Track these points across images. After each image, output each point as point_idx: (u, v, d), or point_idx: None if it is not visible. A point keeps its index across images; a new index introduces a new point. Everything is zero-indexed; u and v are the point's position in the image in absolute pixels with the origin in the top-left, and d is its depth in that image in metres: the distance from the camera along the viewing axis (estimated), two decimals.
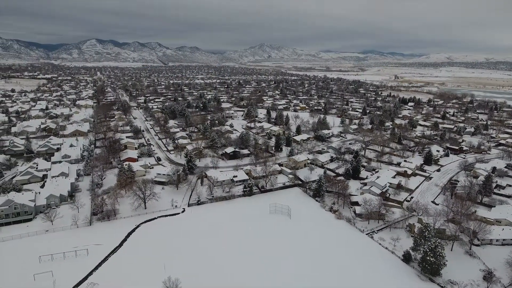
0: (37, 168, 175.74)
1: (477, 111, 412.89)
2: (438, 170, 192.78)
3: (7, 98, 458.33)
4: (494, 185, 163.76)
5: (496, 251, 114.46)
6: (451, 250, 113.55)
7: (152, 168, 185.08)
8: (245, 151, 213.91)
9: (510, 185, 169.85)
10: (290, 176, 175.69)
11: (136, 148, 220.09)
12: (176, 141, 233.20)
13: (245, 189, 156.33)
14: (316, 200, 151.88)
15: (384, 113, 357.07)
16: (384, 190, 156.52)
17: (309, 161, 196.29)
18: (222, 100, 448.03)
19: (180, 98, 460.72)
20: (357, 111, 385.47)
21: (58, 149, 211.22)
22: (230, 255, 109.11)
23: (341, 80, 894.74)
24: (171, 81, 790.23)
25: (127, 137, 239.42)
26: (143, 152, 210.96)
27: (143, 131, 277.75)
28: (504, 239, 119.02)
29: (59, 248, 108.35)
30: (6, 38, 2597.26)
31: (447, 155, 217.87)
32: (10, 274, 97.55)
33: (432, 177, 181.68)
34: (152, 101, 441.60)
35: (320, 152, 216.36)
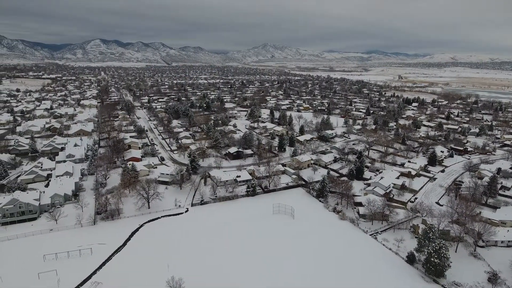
0: (41, 167, 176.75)
1: (482, 111, 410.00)
2: (443, 171, 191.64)
3: (12, 98, 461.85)
4: (499, 186, 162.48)
5: (501, 253, 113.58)
6: (456, 251, 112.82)
7: (156, 167, 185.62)
8: (249, 151, 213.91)
9: None
10: (294, 176, 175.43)
11: (139, 148, 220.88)
12: (179, 141, 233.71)
13: (248, 189, 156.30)
14: (320, 201, 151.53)
15: (388, 113, 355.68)
16: (388, 191, 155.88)
17: (312, 162, 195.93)
18: (225, 100, 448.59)
19: (183, 98, 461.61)
20: (360, 112, 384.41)
21: (62, 149, 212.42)
22: (233, 255, 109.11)
23: (345, 80, 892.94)
24: (175, 81, 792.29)
25: (131, 136, 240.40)
26: (146, 152, 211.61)
27: (147, 131, 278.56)
28: (509, 241, 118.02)
29: (63, 247, 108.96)
30: (12, 38, 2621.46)
31: (451, 156, 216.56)
32: (15, 273, 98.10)
33: (436, 178, 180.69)
34: (155, 101, 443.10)
35: (323, 153, 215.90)
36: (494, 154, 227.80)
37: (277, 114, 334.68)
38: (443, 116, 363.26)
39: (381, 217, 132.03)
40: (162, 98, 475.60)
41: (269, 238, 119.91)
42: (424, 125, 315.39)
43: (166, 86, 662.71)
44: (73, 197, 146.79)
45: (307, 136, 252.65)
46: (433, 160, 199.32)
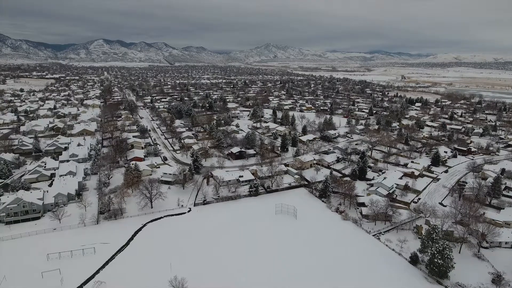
0: (45, 167, 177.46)
1: (486, 111, 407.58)
2: (446, 171, 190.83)
3: (16, 98, 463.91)
4: (503, 187, 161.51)
5: (505, 254, 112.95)
6: (459, 252, 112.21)
7: (159, 167, 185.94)
8: (251, 151, 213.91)
9: None
10: (296, 176, 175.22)
11: (142, 148, 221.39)
12: (182, 141, 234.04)
13: (251, 189, 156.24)
14: (322, 201, 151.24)
15: (391, 113, 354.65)
16: (391, 191, 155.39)
17: (315, 162, 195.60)
18: (228, 100, 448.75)
19: (186, 98, 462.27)
20: (363, 112, 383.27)
21: (65, 148, 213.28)
22: (235, 255, 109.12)
23: (347, 80, 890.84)
24: (178, 81, 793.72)
25: (133, 136, 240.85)
26: (149, 152, 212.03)
27: (150, 130, 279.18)
28: None
29: (67, 246, 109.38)
30: (16, 39, 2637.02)
31: (455, 156, 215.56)
32: (18, 272, 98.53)
33: (439, 179, 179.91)
34: (158, 101, 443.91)
35: (326, 153, 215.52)
36: (498, 155, 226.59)
37: (279, 114, 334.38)
38: (446, 116, 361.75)
39: (384, 217, 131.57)
40: (165, 98, 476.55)
41: (271, 238, 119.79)
42: (427, 125, 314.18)
43: (169, 86, 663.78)
44: (76, 197, 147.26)
45: (310, 136, 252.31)
46: (436, 161, 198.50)
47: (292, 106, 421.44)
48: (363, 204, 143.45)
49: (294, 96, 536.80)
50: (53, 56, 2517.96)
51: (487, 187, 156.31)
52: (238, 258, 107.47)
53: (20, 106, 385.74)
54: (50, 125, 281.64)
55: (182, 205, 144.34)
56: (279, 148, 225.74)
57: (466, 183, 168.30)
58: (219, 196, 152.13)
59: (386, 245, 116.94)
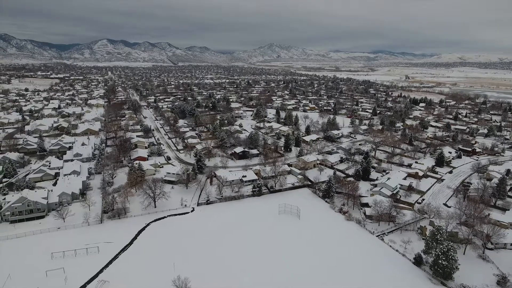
0: (49, 166, 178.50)
1: (491, 112, 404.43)
2: (450, 172, 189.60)
3: (21, 97, 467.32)
4: (508, 188, 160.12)
5: (510, 256, 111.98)
6: (464, 253, 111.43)
7: (162, 167, 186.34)
8: (254, 151, 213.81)
9: None
10: (300, 176, 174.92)
11: (146, 147, 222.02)
12: (185, 141, 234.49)
13: (254, 189, 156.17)
14: (326, 201, 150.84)
15: (394, 113, 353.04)
16: (394, 192, 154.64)
17: (318, 162, 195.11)
18: (231, 100, 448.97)
19: (189, 98, 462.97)
20: (367, 112, 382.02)
21: (70, 148, 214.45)
22: (239, 255, 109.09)
23: (351, 80, 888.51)
24: (181, 81, 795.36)
25: (137, 136, 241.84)
26: (153, 151, 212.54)
27: (153, 130, 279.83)
28: None
29: (71, 245, 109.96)
30: (20, 39, 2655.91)
31: (459, 156, 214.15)
32: (23, 270, 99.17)
33: (444, 179, 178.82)
34: (162, 101, 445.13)
35: (329, 153, 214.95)
36: (503, 155, 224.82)
37: (283, 114, 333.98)
38: (451, 116, 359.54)
39: (388, 218, 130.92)
40: (168, 98, 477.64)
41: (274, 238, 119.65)
42: (432, 126, 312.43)
43: (172, 86, 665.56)
44: (80, 196, 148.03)
45: (313, 136, 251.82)
46: (440, 161, 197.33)
47: (295, 106, 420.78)
48: (366, 205, 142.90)
49: (298, 96, 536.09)
50: (57, 56, 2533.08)
51: (492, 188, 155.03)
52: (241, 258, 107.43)
53: (25, 105, 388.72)
54: (55, 125, 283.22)
55: (185, 205, 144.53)
56: (282, 148, 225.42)
57: (471, 184, 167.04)
58: (222, 196, 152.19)
59: (390, 246, 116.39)
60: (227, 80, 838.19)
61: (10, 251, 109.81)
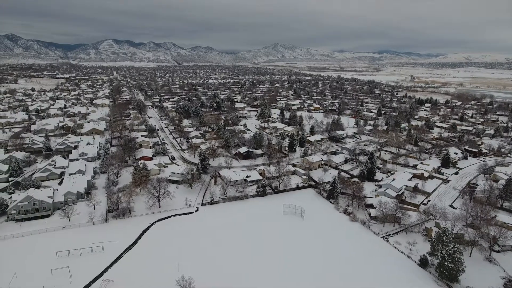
0: (55, 165, 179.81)
1: (497, 112, 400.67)
2: (456, 173, 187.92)
3: (27, 97, 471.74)
4: None
5: None
6: (470, 256, 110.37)
7: (167, 167, 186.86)
8: (259, 151, 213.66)
9: None
10: (304, 177, 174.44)
11: (151, 147, 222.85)
12: (190, 141, 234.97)
13: (258, 189, 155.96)
14: (330, 202, 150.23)
15: (399, 114, 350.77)
16: (400, 193, 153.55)
17: (323, 162, 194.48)
18: (235, 100, 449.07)
19: (194, 98, 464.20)
20: (372, 112, 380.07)
21: (75, 147, 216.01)
22: (243, 255, 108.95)
23: (356, 81, 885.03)
24: (186, 81, 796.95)
25: (142, 136, 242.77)
26: (157, 151, 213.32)
27: (158, 130, 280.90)
28: None
29: (76, 244, 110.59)
30: (27, 39, 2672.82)
31: (465, 157, 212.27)
32: (28, 269, 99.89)
33: (449, 180, 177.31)
34: (166, 101, 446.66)
35: (334, 153, 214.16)
36: (510, 157, 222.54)
37: (287, 114, 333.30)
38: (456, 117, 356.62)
39: (393, 219, 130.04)
40: (173, 98, 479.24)
41: (279, 238, 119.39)
42: (437, 126, 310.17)
43: (177, 86, 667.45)
44: (85, 195, 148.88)
45: (318, 137, 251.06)
46: (446, 162, 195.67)
47: (299, 106, 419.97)
48: (371, 206, 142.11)
49: (302, 96, 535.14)
50: (63, 56, 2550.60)
51: (498, 189, 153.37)
52: (245, 258, 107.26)
53: (31, 105, 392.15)
54: (60, 124, 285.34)
55: (189, 205, 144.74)
56: (287, 148, 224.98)
57: (477, 185, 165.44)
58: (226, 196, 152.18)
59: (395, 247, 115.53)
60: (232, 80, 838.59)
61: (16, 249, 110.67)
